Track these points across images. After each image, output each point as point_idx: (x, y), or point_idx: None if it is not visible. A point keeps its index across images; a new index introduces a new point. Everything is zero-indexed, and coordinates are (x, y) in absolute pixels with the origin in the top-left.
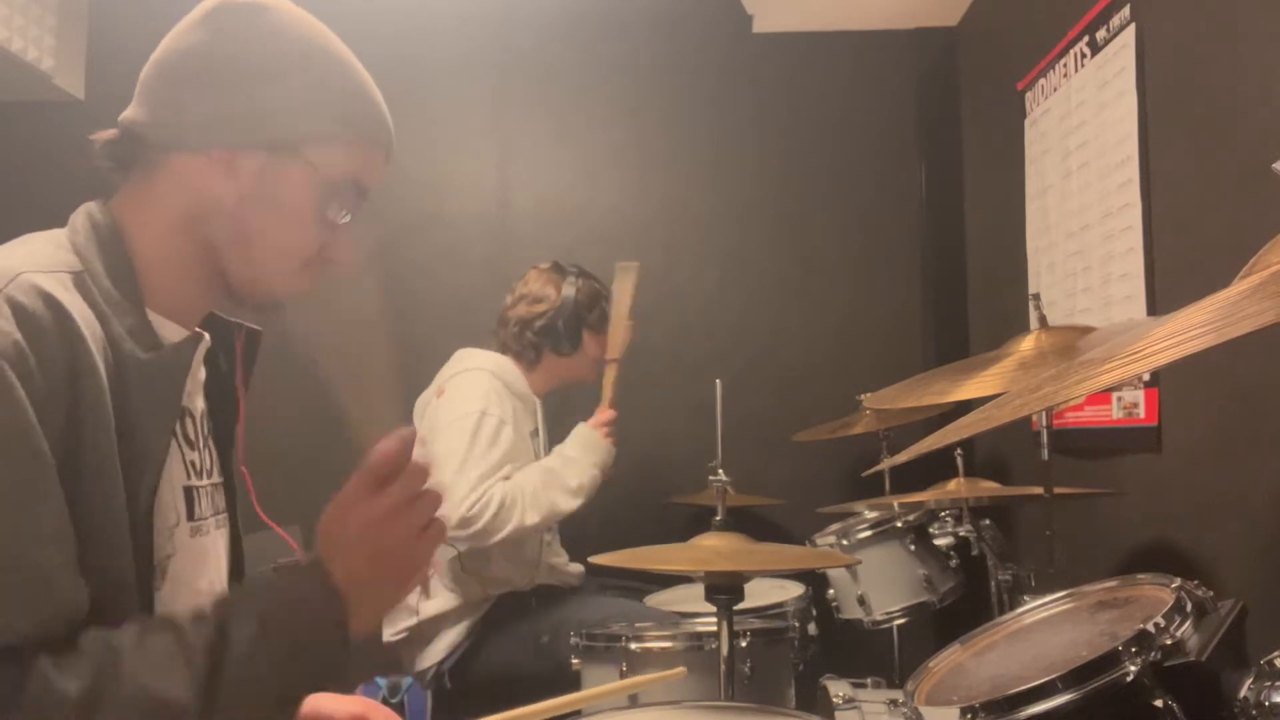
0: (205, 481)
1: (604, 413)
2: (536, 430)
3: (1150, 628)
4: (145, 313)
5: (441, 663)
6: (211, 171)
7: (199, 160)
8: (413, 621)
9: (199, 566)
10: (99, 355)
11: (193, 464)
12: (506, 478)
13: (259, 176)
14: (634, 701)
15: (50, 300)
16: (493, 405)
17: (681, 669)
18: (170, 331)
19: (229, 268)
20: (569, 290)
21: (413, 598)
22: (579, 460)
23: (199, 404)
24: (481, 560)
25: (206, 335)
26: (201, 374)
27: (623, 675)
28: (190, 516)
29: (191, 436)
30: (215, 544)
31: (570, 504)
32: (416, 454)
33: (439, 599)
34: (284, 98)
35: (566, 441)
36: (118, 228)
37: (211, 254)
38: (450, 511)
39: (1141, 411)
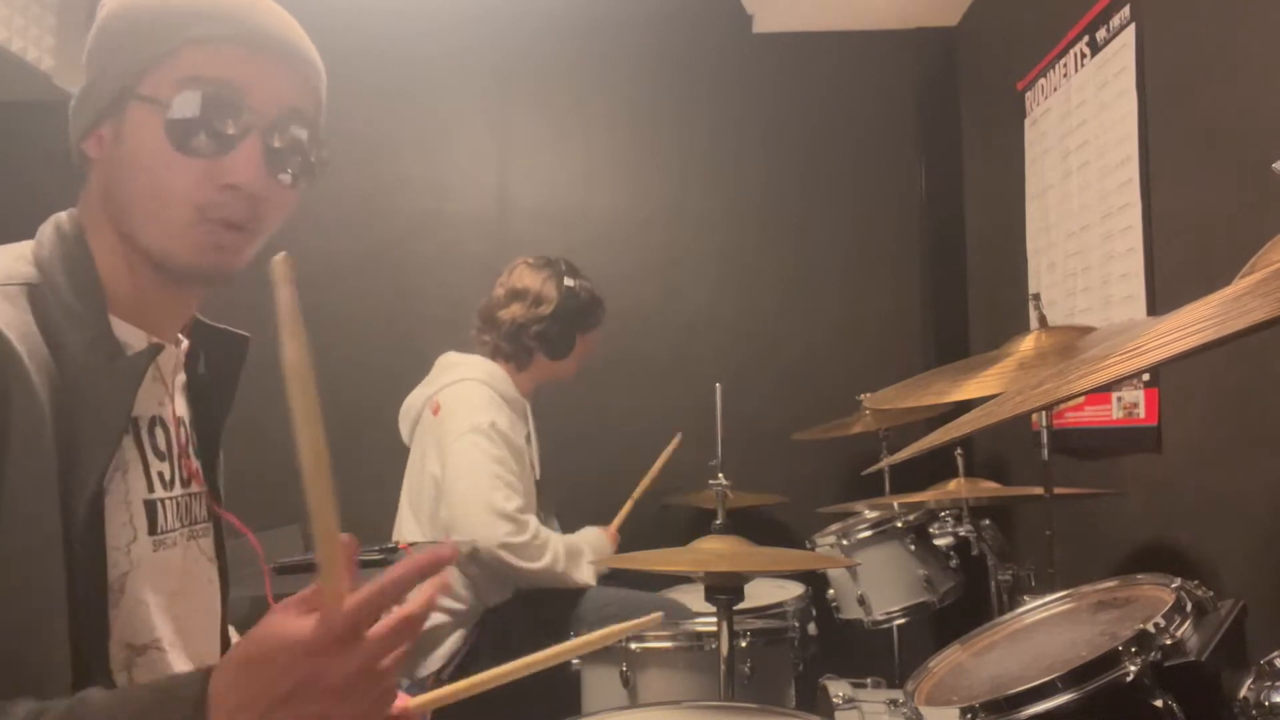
0: (175, 493)
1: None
2: (529, 435)
3: (1150, 628)
4: (107, 323)
5: (440, 670)
6: (92, 156)
7: (87, 147)
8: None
9: (162, 581)
10: (37, 373)
11: (160, 475)
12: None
13: (114, 138)
14: (632, 698)
15: None
16: (498, 416)
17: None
18: (135, 339)
19: (139, 243)
20: (570, 297)
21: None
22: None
23: (173, 412)
24: (490, 569)
25: (170, 343)
26: (180, 379)
27: (623, 675)
28: (152, 530)
29: (161, 448)
30: (187, 556)
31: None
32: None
33: (444, 605)
34: (108, 49)
35: (585, 532)
36: (84, 237)
37: (127, 239)
38: (473, 524)
39: (1141, 411)
